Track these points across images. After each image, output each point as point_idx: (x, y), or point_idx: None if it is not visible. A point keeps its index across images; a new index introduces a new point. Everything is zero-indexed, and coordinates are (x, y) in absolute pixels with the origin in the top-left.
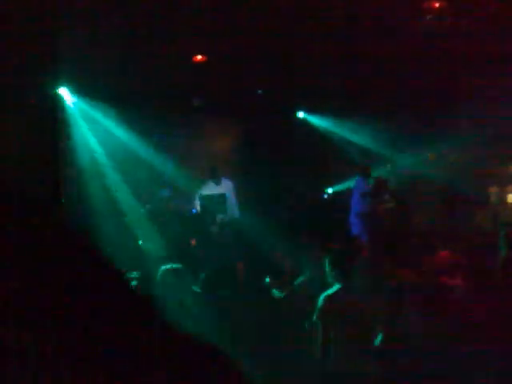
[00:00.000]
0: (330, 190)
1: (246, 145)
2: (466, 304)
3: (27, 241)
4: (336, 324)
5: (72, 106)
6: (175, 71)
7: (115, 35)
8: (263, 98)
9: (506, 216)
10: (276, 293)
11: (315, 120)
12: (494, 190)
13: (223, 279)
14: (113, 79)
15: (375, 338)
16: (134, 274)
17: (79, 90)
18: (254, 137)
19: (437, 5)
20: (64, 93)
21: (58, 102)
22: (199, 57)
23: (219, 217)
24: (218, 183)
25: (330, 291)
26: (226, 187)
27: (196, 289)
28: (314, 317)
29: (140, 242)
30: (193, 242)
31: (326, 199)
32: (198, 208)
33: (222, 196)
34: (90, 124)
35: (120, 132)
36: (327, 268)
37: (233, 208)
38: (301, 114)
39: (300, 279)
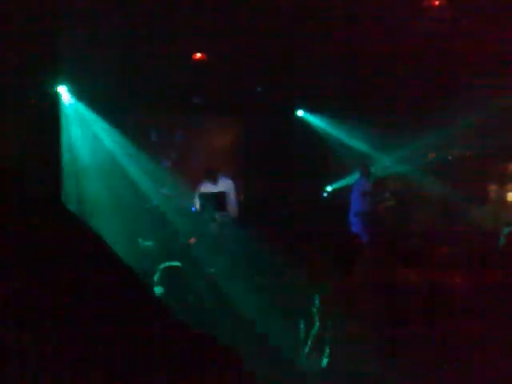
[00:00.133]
0: (329, 189)
1: (246, 143)
2: (465, 303)
3: (27, 241)
4: (335, 323)
5: (70, 104)
6: (175, 70)
7: (115, 34)
8: (263, 97)
9: (506, 215)
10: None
11: (314, 119)
12: (493, 189)
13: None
14: (112, 78)
15: (374, 338)
16: None
17: (78, 88)
18: (254, 135)
19: (437, 3)
20: (63, 91)
21: (57, 100)
22: (199, 55)
23: (219, 215)
24: (215, 183)
25: (329, 290)
26: (225, 186)
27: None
28: (313, 314)
29: (139, 240)
30: (192, 240)
31: (325, 198)
32: (198, 206)
33: (222, 194)
34: (88, 123)
35: (115, 133)
36: (326, 266)
37: (232, 206)
38: (300, 113)
39: (298, 277)
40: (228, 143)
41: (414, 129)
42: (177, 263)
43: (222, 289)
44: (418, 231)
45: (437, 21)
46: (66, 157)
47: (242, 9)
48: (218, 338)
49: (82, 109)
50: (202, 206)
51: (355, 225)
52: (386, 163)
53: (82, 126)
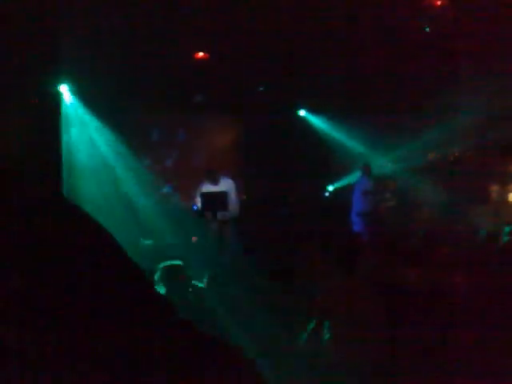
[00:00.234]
0: (331, 188)
1: (247, 142)
2: (466, 302)
3: (28, 240)
4: (335, 323)
5: (71, 104)
6: (176, 70)
7: (116, 34)
8: (264, 96)
9: (507, 214)
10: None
11: (315, 119)
12: (494, 189)
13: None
14: (113, 78)
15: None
16: None
17: (79, 88)
18: (255, 135)
19: (438, 3)
20: (64, 90)
21: (59, 100)
22: (200, 55)
23: (220, 214)
24: (215, 184)
25: (329, 289)
26: (226, 185)
27: (198, 284)
28: (313, 313)
29: (141, 239)
30: (193, 238)
31: (327, 197)
32: (199, 205)
33: (223, 194)
34: (88, 123)
35: (113, 133)
36: (327, 266)
37: (233, 206)
38: (302, 113)
39: (298, 277)
40: (229, 143)
41: (415, 128)
42: (177, 262)
43: (223, 288)
44: (419, 231)
45: (437, 20)
46: (66, 156)
47: (244, 8)
48: (219, 337)
49: (83, 108)
50: (203, 205)
51: (357, 224)
52: (386, 163)
53: (81, 125)
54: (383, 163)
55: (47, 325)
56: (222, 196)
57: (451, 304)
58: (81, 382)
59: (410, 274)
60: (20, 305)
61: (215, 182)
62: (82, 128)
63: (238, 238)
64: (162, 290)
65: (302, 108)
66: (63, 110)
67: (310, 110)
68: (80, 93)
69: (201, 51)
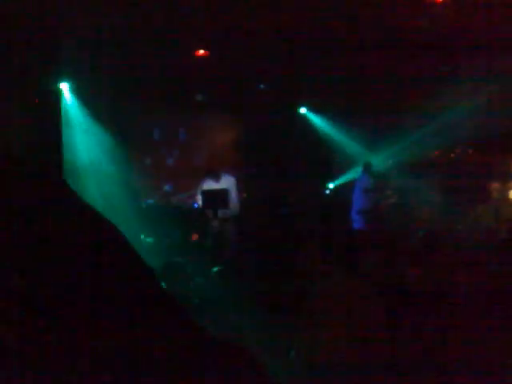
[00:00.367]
0: (331, 186)
1: (247, 141)
2: (466, 302)
3: (29, 240)
4: (334, 322)
5: (71, 102)
6: (176, 68)
7: (116, 32)
8: (264, 95)
9: (508, 212)
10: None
11: (315, 117)
12: (495, 186)
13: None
14: (114, 77)
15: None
16: None
17: (80, 86)
18: (255, 133)
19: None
20: (64, 89)
21: (59, 98)
22: (201, 53)
23: (220, 212)
24: (217, 180)
25: (329, 288)
26: (227, 183)
27: (200, 280)
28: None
29: (142, 237)
30: (194, 236)
31: (327, 195)
32: (200, 203)
33: (224, 191)
34: (87, 122)
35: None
36: (327, 265)
37: (234, 203)
38: (302, 111)
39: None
40: (229, 141)
41: (415, 127)
42: (178, 259)
43: (223, 285)
44: (419, 230)
45: (437, 19)
46: (66, 155)
47: (244, 6)
48: (220, 336)
49: (82, 107)
50: (203, 202)
51: (357, 222)
52: (386, 161)
53: (81, 124)
54: (383, 161)
55: (47, 325)
56: (223, 194)
57: (451, 304)
58: (81, 382)
59: (410, 274)
60: (20, 304)
61: (217, 178)
62: (81, 127)
63: (238, 236)
64: (163, 286)
65: (303, 106)
66: (63, 108)
67: (311, 108)
68: (80, 91)
69: (201, 50)
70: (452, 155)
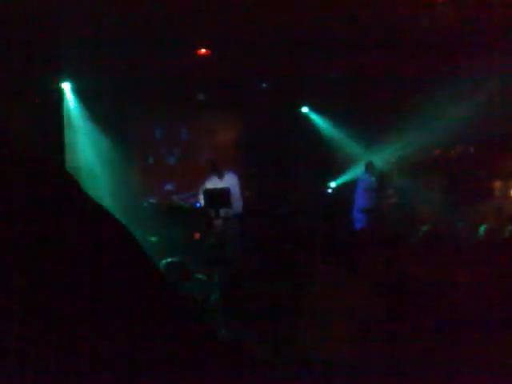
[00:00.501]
0: (333, 184)
1: (249, 140)
2: (468, 300)
3: (29, 240)
4: (335, 321)
5: (72, 102)
6: (177, 67)
7: (117, 31)
8: (266, 94)
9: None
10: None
11: (316, 116)
12: (497, 184)
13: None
14: (115, 76)
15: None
16: None
17: (81, 86)
18: (257, 132)
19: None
20: (66, 88)
21: (61, 98)
22: (202, 51)
23: (222, 211)
24: (220, 177)
25: (330, 287)
26: (230, 181)
27: (202, 279)
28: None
29: (144, 236)
30: (196, 235)
31: (329, 194)
32: (202, 202)
33: (226, 190)
34: (88, 121)
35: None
36: (328, 264)
37: (236, 202)
38: (304, 110)
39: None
40: (231, 140)
41: (416, 125)
42: (179, 259)
43: (225, 283)
44: (420, 228)
45: (437, 17)
46: (68, 155)
47: (245, 4)
48: (220, 336)
49: (84, 107)
50: (205, 201)
51: (359, 221)
52: (387, 159)
53: (83, 124)
54: (385, 160)
55: (47, 325)
56: (225, 192)
57: (452, 303)
58: (81, 382)
59: (411, 273)
60: (20, 303)
61: (220, 175)
62: (82, 126)
63: (240, 235)
64: None
65: (304, 105)
66: (65, 108)
67: (312, 107)
68: (81, 91)
69: (202, 49)
70: (453, 154)
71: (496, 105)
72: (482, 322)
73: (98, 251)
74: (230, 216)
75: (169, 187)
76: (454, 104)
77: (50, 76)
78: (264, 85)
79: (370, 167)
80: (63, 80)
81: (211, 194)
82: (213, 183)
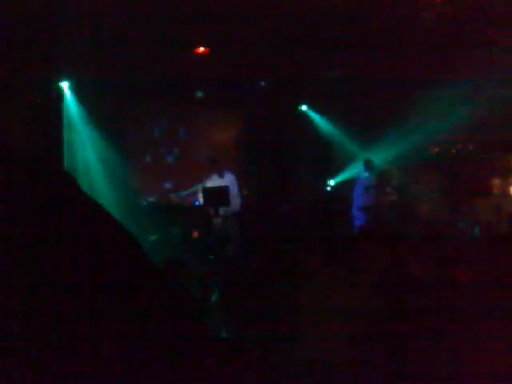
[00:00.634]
0: (332, 182)
1: (248, 138)
2: (468, 297)
3: (30, 240)
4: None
5: (71, 101)
6: (176, 65)
7: (115, 29)
8: (265, 91)
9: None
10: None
11: (315, 114)
12: (496, 182)
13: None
14: (113, 75)
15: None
16: None
17: (79, 84)
18: (256, 130)
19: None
20: (65, 87)
21: (60, 97)
22: (201, 49)
23: (221, 209)
24: (220, 176)
25: (329, 286)
26: (228, 180)
27: (201, 277)
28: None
29: (144, 235)
30: (195, 233)
31: (328, 192)
32: (201, 200)
33: (225, 188)
34: (86, 120)
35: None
36: (328, 263)
37: (234, 199)
38: (303, 108)
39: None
40: (229, 138)
41: (416, 123)
42: (179, 257)
43: (224, 284)
44: (420, 226)
45: (437, 17)
46: (66, 154)
47: (245, 3)
48: (220, 335)
49: (82, 105)
50: (204, 200)
51: (358, 219)
52: (387, 157)
53: (81, 123)
54: (384, 158)
55: (47, 325)
56: (224, 191)
57: (452, 300)
58: (81, 382)
59: (410, 270)
60: (21, 305)
61: (221, 173)
62: (80, 125)
63: (239, 234)
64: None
65: (304, 104)
66: (64, 106)
67: (312, 106)
68: (79, 90)
69: (201, 47)
70: (453, 151)
71: (495, 104)
72: (482, 322)
73: (98, 251)
74: (228, 214)
75: (168, 185)
76: (454, 104)
77: (50, 75)
78: (262, 83)
79: (368, 165)
80: (62, 79)
81: (210, 193)
82: (213, 181)
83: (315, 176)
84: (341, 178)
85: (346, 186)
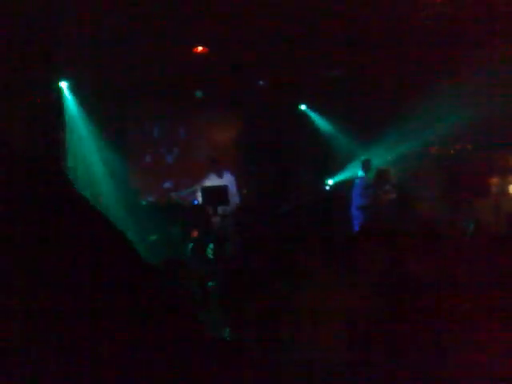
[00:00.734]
0: (331, 182)
1: (247, 138)
2: (468, 297)
3: (30, 240)
4: (334, 321)
5: (70, 101)
6: (175, 65)
7: (114, 29)
8: (265, 91)
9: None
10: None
11: (315, 114)
12: (495, 181)
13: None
14: (113, 74)
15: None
16: None
17: (77, 83)
18: (255, 130)
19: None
20: (64, 87)
21: (60, 97)
22: (200, 49)
23: (220, 209)
24: (219, 175)
25: (329, 286)
26: (227, 179)
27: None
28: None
29: (143, 234)
30: (194, 233)
31: (328, 191)
32: (200, 199)
33: (224, 188)
34: (85, 120)
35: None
36: (328, 263)
37: (233, 197)
38: (303, 107)
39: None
40: (230, 138)
41: (416, 123)
42: (178, 257)
43: (223, 282)
44: (420, 224)
45: (436, 16)
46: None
47: (244, 2)
48: (220, 336)
49: (81, 105)
50: (203, 199)
51: (358, 218)
52: (386, 156)
53: (80, 123)
54: (383, 157)
55: (47, 324)
56: (223, 190)
57: (452, 300)
58: (81, 382)
59: (410, 269)
60: (20, 305)
61: (220, 173)
62: (80, 125)
63: (238, 233)
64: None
65: (303, 104)
66: (65, 106)
67: (311, 105)
68: (78, 90)
69: (200, 46)
70: (452, 151)
71: (495, 104)
72: (483, 319)
73: (97, 251)
74: (227, 213)
75: (167, 185)
76: (453, 102)
77: (50, 75)
78: (261, 82)
79: (367, 165)
80: (61, 79)
81: (209, 192)
82: (212, 181)
83: (315, 176)
84: (340, 177)
85: (345, 186)
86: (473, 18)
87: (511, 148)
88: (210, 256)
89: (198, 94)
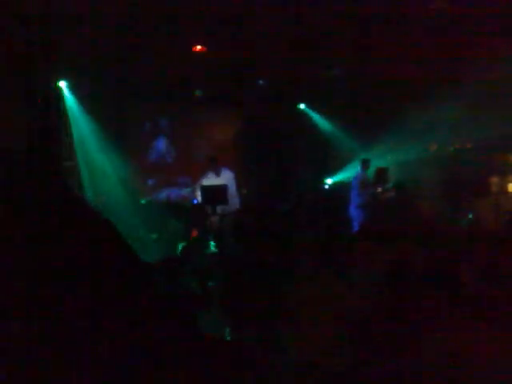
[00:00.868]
0: (329, 181)
1: (247, 137)
2: (468, 296)
3: (30, 240)
4: (334, 321)
5: (69, 100)
6: (175, 63)
7: (113, 28)
8: (264, 90)
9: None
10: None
11: (314, 113)
12: (494, 180)
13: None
14: (112, 74)
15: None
16: None
17: (76, 83)
18: (255, 129)
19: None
20: (62, 86)
21: (60, 97)
22: (199, 48)
23: (220, 208)
24: (218, 174)
25: (329, 286)
26: (226, 178)
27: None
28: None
29: (142, 233)
30: (194, 232)
31: (327, 190)
32: (199, 198)
33: (224, 187)
34: (84, 119)
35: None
36: (327, 263)
37: (233, 199)
38: (301, 106)
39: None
40: (229, 137)
41: (416, 120)
42: (178, 255)
43: (223, 282)
44: (420, 223)
45: (436, 16)
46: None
47: (244, 3)
48: (219, 336)
49: (80, 104)
50: (203, 198)
51: (357, 218)
52: (386, 155)
53: (79, 122)
54: (382, 156)
55: (48, 324)
56: (222, 189)
57: (451, 299)
58: (81, 382)
59: (410, 269)
60: (21, 303)
61: (218, 171)
62: (79, 124)
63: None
64: (162, 282)
65: (303, 103)
66: (64, 106)
67: (311, 105)
68: (78, 89)
69: (199, 45)
70: (452, 151)
71: (495, 104)
72: (483, 319)
73: (96, 251)
74: (226, 213)
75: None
76: (453, 102)
77: (50, 75)
78: (261, 82)
79: (366, 164)
80: (61, 79)
81: (208, 191)
82: (210, 180)
83: (314, 175)
84: (339, 177)
85: (344, 185)
86: (472, 18)
87: (511, 148)
88: (214, 250)
89: (198, 93)
